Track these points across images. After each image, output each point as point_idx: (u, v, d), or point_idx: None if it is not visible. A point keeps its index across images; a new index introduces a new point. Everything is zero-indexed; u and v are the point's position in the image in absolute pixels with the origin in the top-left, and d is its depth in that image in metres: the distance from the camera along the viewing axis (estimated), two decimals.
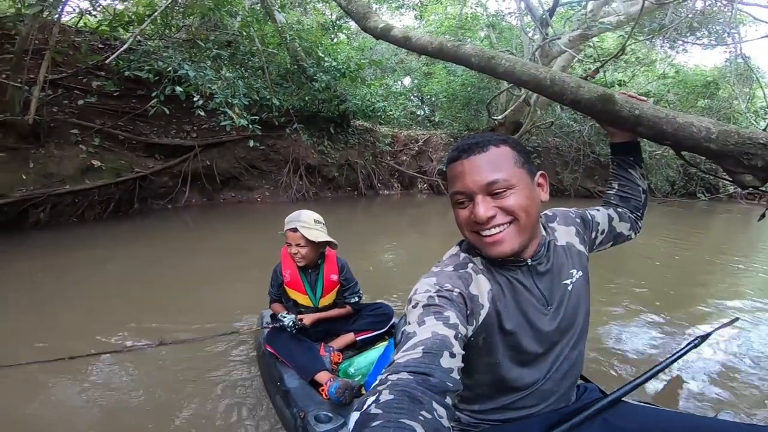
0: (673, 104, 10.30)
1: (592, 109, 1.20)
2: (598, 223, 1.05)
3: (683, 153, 1.20)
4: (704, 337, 1.90)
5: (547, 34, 6.63)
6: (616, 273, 3.94)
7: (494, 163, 0.79)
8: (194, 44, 5.99)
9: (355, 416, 0.56)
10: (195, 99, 5.19)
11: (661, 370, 1.32)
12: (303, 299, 1.98)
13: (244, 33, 6.50)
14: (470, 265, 0.86)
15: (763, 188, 1.10)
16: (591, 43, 7.85)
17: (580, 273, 0.94)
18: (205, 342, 2.17)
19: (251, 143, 6.20)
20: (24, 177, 4.96)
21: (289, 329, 1.79)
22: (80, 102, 5.76)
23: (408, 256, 4.63)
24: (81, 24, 6.76)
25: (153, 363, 2.05)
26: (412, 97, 13.77)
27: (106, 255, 4.14)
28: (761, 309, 3.08)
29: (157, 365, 2.03)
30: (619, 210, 1.11)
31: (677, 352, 1.58)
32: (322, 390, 1.56)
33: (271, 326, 1.86)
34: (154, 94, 5.24)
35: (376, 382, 0.61)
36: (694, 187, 11.19)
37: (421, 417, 0.53)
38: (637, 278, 3.86)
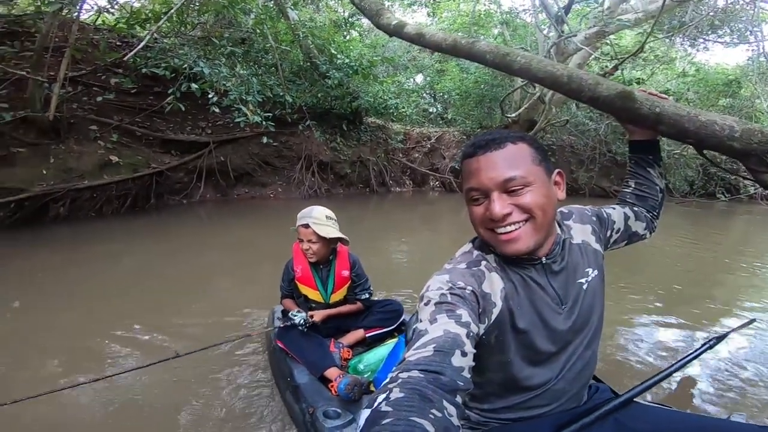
0: (693, 103, 10.03)
1: (610, 106, 1.18)
2: (614, 222, 1.03)
3: (705, 151, 1.17)
4: (720, 338, 1.86)
5: (562, 32, 6.51)
6: (631, 272, 3.88)
7: (511, 160, 0.78)
8: (209, 41, 6.06)
9: (365, 413, 0.56)
10: (210, 96, 5.25)
11: (676, 370, 1.30)
12: (314, 295, 1.99)
13: (258, 30, 6.54)
14: (483, 262, 0.85)
15: None
16: (608, 41, 7.68)
17: (596, 272, 0.93)
18: (216, 339, 2.20)
19: (264, 140, 6.25)
20: (44, 172, 5.09)
21: (300, 327, 1.80)
22: (99, 99, 5.88)
23: (419, 253, 4.62)
24: (99, 22, 6.89)
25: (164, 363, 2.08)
26: (424, 95, 13.70)
27: (123, 249, 4.23)
28: None
29: (168, 363, 2.06)
30: (636, 209, 1.09)
31: (692, 352, 1.54)
32: (332, 386, 1.57)
33: (282, 325, 1.88)
34: (170, 91, 5.33)
35: (387, 379, 0.61)
36: (713, 188, 10.89)
37: (431, 415, 0.53)
38: (654, 278, 3.79)
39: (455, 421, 0.56)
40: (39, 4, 5.01)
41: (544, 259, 0.85)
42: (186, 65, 5.37)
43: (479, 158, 0.80)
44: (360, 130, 9.35)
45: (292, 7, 7.05)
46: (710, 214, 8.78)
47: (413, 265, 4.09)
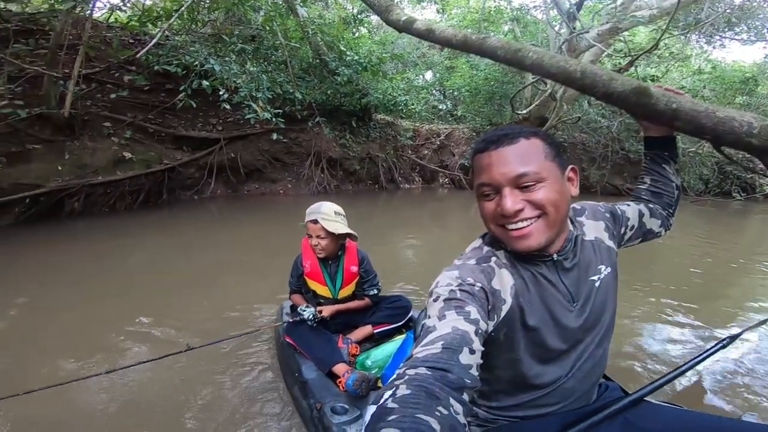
0: (709, 100, 9.82)
1: (625, 102, 1.15)
2: (628, 219, 1.02)
3: (723, 148, 1.14)
4: (733, 338, 1.82)
5: (574, 28, 6.41)
6: (644, 270, 3.83)
7: (524, 156, 0.77)
8: (219, 39, 6.11)
9: (371, 410, 0.56)
10: (221, 93, 5.29)
11: (687, 369, 1.27)
12: (322, 290, 2.00)
13: (267, 27, 6.58)
14: (493, 259, 0.84)
15: None
16: (621, 38, 7.54)
17: (609, 269, 0.92)
18: (226, 334, 2.22)
19: (274, 136, 6.29)
20: (60, 168, 5.18)
21: (309, 323, 1.81)
22: (112, 96, 5.97)
23: (428, 249, 4.61)
24: (112, 19, 6.99)
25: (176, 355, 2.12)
26: (434, 92, 13.63)
27: (136, 244, 4.30)
28: None
29: (179, 356, 2.09)
30: (651, 206, 1.07)
31: (705, 352, 1.52)
32: (339, 382, 1.57)
33: (291, 320, 1.89)
34: (181, 88, 5.39)
35: (394, 376, 0.61)
36: (729, 186, 10.66)
37: (437, 413, 0.53)
38: (667, 277, 3.73)
39: (461, 418, 0.56)
40: (53, 2, 5.10)
41: (555, 255, 0.84)
42: (197, 62, 5.42)
43: (491, 153, 0.79)
44: (369, 127, 9.35)
45: (301, 4, 7.06)
46: (725, 214, 8.60)
47: (422, 262, 4.09)
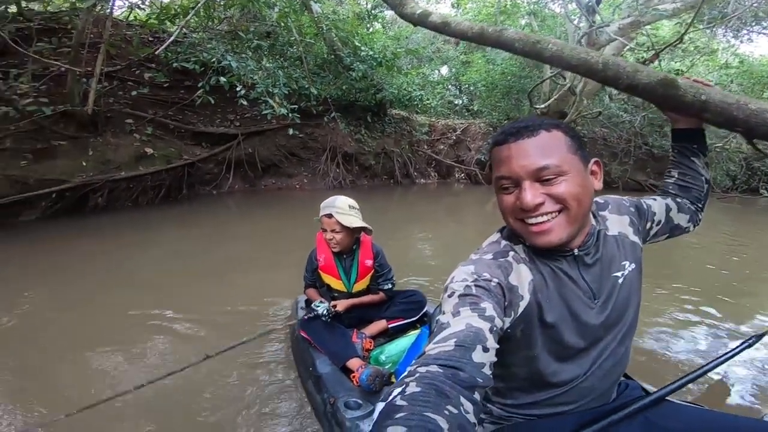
0: (737, 95, 9.42)
1: (651, 94, 1.12)
2: (654, 213, 0.98)
3: (755, 141, 1.09)
4: (759, 337, 1.76)
5: (594, 22, 6.23)
6: (667, 267, 3.73)
7: (545, 148, 0.74)
8: (236, 36, 6.17)
9: (380, 407, 0.56)
10: (238, 89, 5.36)
11: (711, 369, 1.24)
12: (337, 284, 2.00)
13: (282, 24, 6.61)
14: (511, 253, 0.82)
15: None
16: (644, 31, 7.30)
17: (633, 265, 0.88)
18: (242, 328, 2.26)
19: (291, 131, 6.34)
20: (84, 164, 5.34)
21: (323, 318, 1.80)
22: (134, 93, 6.11)
23: (444, 244, 4.59)
24: (131, 18, 7.14)
25: (193, 346, 2.16)
26: (449, 87, 13.50)
27: (157, 238, 4.41)
28: None
29: (195, 348, 2.13)
30: (678, 200, 1.03)
31: (729, 351, 1.47)
32: (353, 377, 1.57)
33: (305, 317, 1.89)
34: (200, 85, 5.48)
35: (405, 373, 0.61)
36: (756, 183, 10.25)
37: (446, 411, 0.52)
38: (691, 274, 3.63)
39: (472, 417, 0.55)
40: (73, 0, 5.22)
41: (576, 250, 0.81)
42: (214, 59, 5.50)
43: (510, 146, 0.76)
44: (384, 122, 9.34)
45: (315, 0, 7.08)
46: (753, 211, 8.27)
47: (437, 256, 4.07)
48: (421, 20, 2.42)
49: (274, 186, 7.94)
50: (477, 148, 10.09)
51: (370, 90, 8.30)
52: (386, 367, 1.71)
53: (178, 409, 1.69)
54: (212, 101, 5.70)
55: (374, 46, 7.91)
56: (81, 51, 5.21)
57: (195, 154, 6.76)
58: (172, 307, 2.59)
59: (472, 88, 12.39)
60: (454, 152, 10.36)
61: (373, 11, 8.50)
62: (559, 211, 0.75)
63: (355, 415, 1.33)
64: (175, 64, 5.92)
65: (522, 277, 0.79)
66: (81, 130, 5.52)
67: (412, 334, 1.90)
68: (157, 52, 4.92)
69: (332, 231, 1.87)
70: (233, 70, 5.38)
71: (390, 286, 2.06)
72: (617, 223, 0.91)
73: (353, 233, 1.93)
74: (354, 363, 1.63)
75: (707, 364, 1.22)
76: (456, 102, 13.52)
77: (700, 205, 1.06)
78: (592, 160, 0.82)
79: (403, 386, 0.57)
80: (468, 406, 0.56)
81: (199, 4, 4.51)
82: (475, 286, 0.73)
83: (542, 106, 8.38)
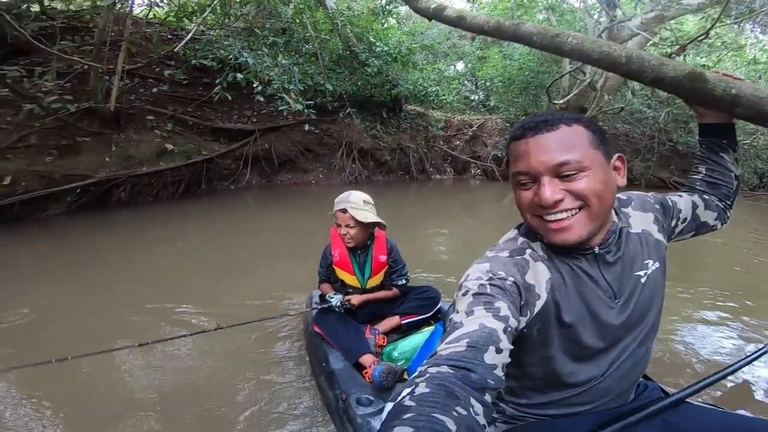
0: None
1: (678, 88, 1.08)
2: (680, 210, 0.94)
3: None
4: None
5: (615, 17, 6.04)
6: (691, 266, 3.63)
7: (565, 143, 0.72)
8: (252, 32, 6.24)
9: (388, 407, 0.56)
10: (254, 85, 5.41)
11: (733, 371, 1.20)
12: (351, 280, 2.00)
13: (297, 20, 6.64)
14: (528, 251, 0.80)
15: None
16: (668, 26, 7.04)
17: (657, 264, 0.85)
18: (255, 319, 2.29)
19: (306, 127, 6.37)
20: (107, 159, 5.49)
21: (336, 309, 1.82)
22: (154, 90, 6.24)
23: (459, 240, 4.56)
24: (150, 15, 7.28)
25: (208, 339, 2.18)
26: (465, 82, 13.33)
27: (177, 232, 4.51)
28: None
29: (211, 341, 2.18)
30: (706, 197, 0.99)
31: (753, 353, 1.42)
32: (366, 373, 1.57)
33: (319, 307, 1.90)
34: (217, 82, 5.56)
35: (416, 373, 0.60)
36: None
37: (454, 413, 0.51)
38: (714, 274, 3.52)
39: (482, 419, 0.54)
40: None
41: (597, 248, 0.79)
42: (231, 56, 5.57)
43: (528, 140, 0.74)
44: (400, 118, 9.30)
45: None
46: None
47: (452, 253, 4.04)
48: (435, 14, 2.39)
49: (290, 181, 8.01)
50: (493, 144, 9.96)
51: (386, 86, 8.28)
52: (399, 363, 1.71)
53: (189, 403, 1.72)
54: (230, 98, 5.77)
55: (389, 41, 7.88)
56: (103, 49, 5.34)
57: (213, 149, 6.87)
58: (186, 299, 2.67)
59: (488, 83, 12.22)
60: (470, 148, 10.25)
61: (387, 6, 8.45)
62: (580, 208, 0.73)
63: (367, 412, 1.33)
64: (193, 61, 6.02)
65: (539, 275, 0.77)
66: (104, 126, 5.67)
67: (426, 331, 1.90)
68: (176, 50, 4.99)
69: (346, 226, 1.87)
70: (250, 67, 5.44)
71: (404, 282, 2.05)
72: (641, 221, 0.88)
73: (367, 228, 1.92)
74: (367, 359, 1.63)
75: (729, 367, 1.19)
76: (472, 97, 13.36)
77: (729, 203, 1.01)
78: (616, 155, 0.79)
79: (413, 387, 0.56)
80: (478, 407, 0.55)
81: (216, 2, 4.57)
82: (490, 284, 0.72)
83: (561, 101, 8.20)
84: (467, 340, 0.63)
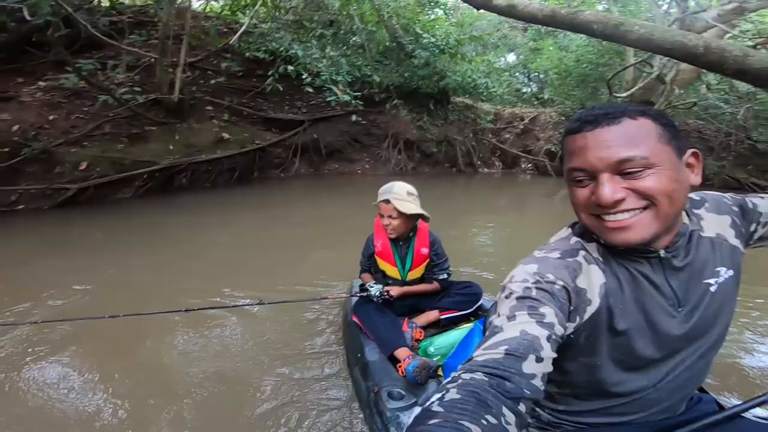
0: None
1: (766, 81, 0.96)
2: (761, 214, 0.83)
3: None
4: None
5: (687, 7, 5.47)
6: (758, 273, 3.27)
7: (629, 138, 0.65)
8: (301, 25, 6.39)
9: (416, 411, 0.55)
10: (304, 77, 5.57)
11: None
12: (392, 271, 1.99)
13: (344, 12, 6.70)
14: (582, 252, 0.75)
15: None
16: (749, 18, 6.27)
17: (730, 272, 0.77)
18: (297, 304, 2.38)
19: (354, 118, 6.47)
20: (171, 147, 5.91)
21: (375, 299, 1.82)
22: (213, 81, 6.61)
23: (505, 237, 4.45)
24: (207, 10, 7.69)
25: (251, 317, 2.34)
26: (517, 74, 12.82)
27: (230, 218, 4.79)
28: None
29: (253, 320, 2.31)
30: None
31: None
32: (400, 366, 1.55)
33: (358, 295, 1.91)
34: (269, 73, 5.77)
35: (449, 378, 0.58)
36: None
37: (484, 421, 0.49)
38: None
39: (513, 429, 0.52)
40: None
41: (662, 252, 0.72)
42: (282, 48, 5.75)
43: (586, 135, 0.67)
44: (447, 110, 9.17)
45: None
46: None
47: (497, 249, 3.93)
48: (484, 3, 2.33)
49: (337, 170, 8.19)
50: (547, 138, 9.51)
51: (433, 77, 8.18)
52: (435, 359, 1.67)
53: (223, 376, 1.82)
54: (281, 89, 5.98)
55: (436, 33, 7.77)
56: (166, 42, 5.71)
57: (265, 139, 7.17)
58: (237, 283, 2.82)
59: (542, 75, 11.68)
60: (520, 142, 9.88)
61: None
62: (645, 208, 0.66)
63: (397, 406, 1.33)
64: (247, 54, 6.30)
65: (592, 279, 0.72)
66: (169, 116, 6.10)
67: (465, 327, 1.84)
68: (231, 42, 5.23)
69: (389, 217, 1.85)
70: (299, 59, 5.59)
71: (445, 276, 2.02)
72: (715, 224, 0.79)
73: (410, 220, 1.90)
74: (402, 353, 1.61)
75: None
76: (524, 90, 12.84)
77: None
78: (689, 151, 0.71)
79: (443, 392, 0.55)
80: (510, 417, 0.53)
81: None
82: (536, 288, 0.68)
83: (624, 94, 7.62)
84: (506, 347, 0.60)
